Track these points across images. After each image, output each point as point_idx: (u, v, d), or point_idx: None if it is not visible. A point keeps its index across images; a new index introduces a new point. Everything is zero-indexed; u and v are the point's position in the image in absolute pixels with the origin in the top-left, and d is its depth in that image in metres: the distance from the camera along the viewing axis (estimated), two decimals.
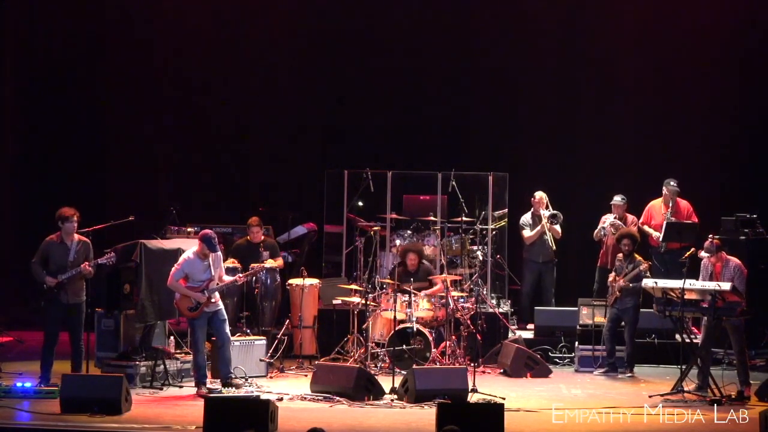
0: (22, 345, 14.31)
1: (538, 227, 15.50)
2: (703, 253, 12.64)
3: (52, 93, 17.83)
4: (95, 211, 15.75)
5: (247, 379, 12.90)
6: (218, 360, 12.49)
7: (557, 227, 15.53)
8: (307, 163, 17.68)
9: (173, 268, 12.40)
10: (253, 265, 13.75)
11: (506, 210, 16.03)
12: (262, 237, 14.67)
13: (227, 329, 12.53)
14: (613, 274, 14.08)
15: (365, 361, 13.39)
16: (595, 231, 15.38)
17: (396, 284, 13.91)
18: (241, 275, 13.03)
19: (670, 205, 15.16)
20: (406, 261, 14.33)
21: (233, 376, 12.48)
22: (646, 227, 15.29)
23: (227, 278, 12.74)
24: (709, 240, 12.60)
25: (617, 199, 15.36)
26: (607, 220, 15.27)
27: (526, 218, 15.64)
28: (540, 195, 15.60)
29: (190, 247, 12.68)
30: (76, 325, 12.19)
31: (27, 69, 17.94)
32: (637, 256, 13.95)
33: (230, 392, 12.21)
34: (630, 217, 15.35)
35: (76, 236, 12.21)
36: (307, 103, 17.98)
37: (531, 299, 15.73)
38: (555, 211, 15.54)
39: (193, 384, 12.56)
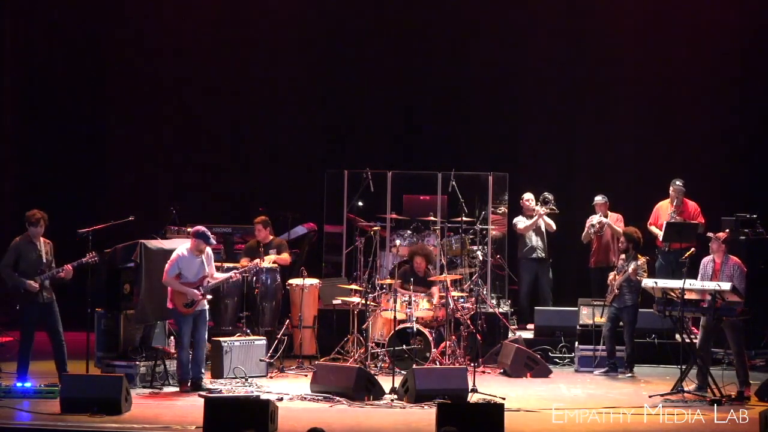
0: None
1: (534, 218, 15.50)
2: (710, 234, 12.70)
3: (53, 93, 17.84)
4: (95, 211, 15.80)
5: (246, 379, 12.93)
6: (191, 360, 12.48)
7: (551, 222, 15.52)
8: (307, 163, 17.69)
9: (167, 265, 12.41)
10: (254, 261, 13.80)
11: (506, 204, 16.06)
12: (270, 237, 14.70)
13: (206, 331, 12.58)
14: (613, 272, 14.08)
15: (365, 361, 13.39)
16: (583, 233, 15.42)
17: (397, 283, 13.95)
18: (236, 272, 13.02)
19: (675, 204, 15.18)
20: (413, 263, 14.33)
21: (204, 378, 12.52)
22: (653, 228, 15.31)
23: (219, 275, 12.78)
24: (726, 234, 12.68)
25: (598, 198, 15.42)
26: (594, 219, 15.32)
27: (519, 218, 15.68)
28: (528, 196, 15.64)
29: None
30: (55, 322, 12.22)
31: (27, 68, 17.95)
32: (639, 256, 13.95)
33: (225, 393, 12.27)
34: (615, 215, 15.37)
35: (42, 238, 12.27)
36: (307, 103, 17.99)
37: (529, 299, 15.75)
38: (543, 194, 15.53)
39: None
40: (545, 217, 15.54)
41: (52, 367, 12.41)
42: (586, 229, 15.40)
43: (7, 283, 12.17)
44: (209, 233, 12.52)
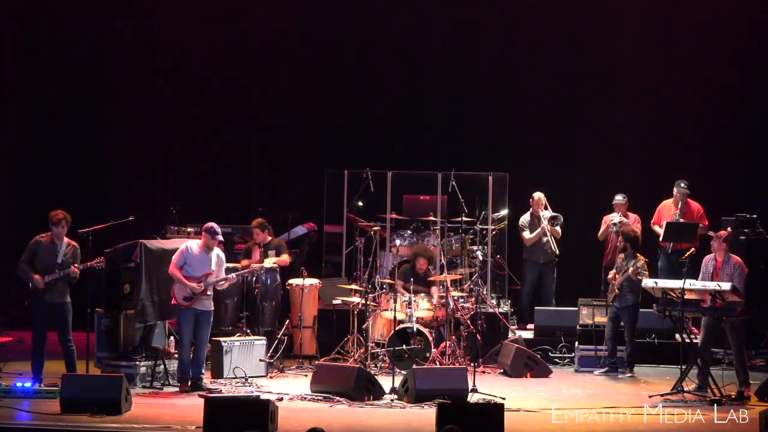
0: (22, 345, 14.31)
1: (539, 229, 15.49)
2: (711, 233, 12.67)
3: (53, 93, 17.83)
4: (95, 211, 15.79)
5: (246, 379, 12.93)
6: (192, 360, 12.49)
7: (557, 228, 15.53)
8: (307, 163, 17.67)
9: (175, 255, 12.48)
10: (251, 264, 13.80)
11: (506, 212, 16.02)
12: (269, 238, 14.70)
13: (208, 332, 12.57)
14: (613, 271, 14.08)
15: (365, 361, 13.39)
16: (600, 231, 15.39)
17: (399, 282, 13.97)
18: (233, 275, 13.01)
19: (680, 206, 15.17)
20: (415, 263, 14.33)
21: (204, 378, 12.53)
22: (656, 227, 15.31)
23: (220, 279, 12.77)
24: (727, 232, 12.66)
25: (619, 198, 15.37)
26: (615, 218, 15.25)
27: (525, 219, 15.64)
28: (538, 195, 15.59)
29: None
30: (63, 324, 12.16)
31: (27, 68, 17.93)
32: (639, 255, 13.94)
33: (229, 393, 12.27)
34: (633, 216, 15.35)
35: (66, 239, 12.23)
36: (307, 102, 17.97)
37: (531, 299, 15.74)
38: (555, 213, 15.53)
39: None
40: (549, 226, 15.48)
41: (54, 367, 12.37)
42: (603, 227, 15.33)
43: (21, 278, 12.18)
44: (216, 228, 12.56)
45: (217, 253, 12.63)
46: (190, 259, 12.46)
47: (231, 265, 14.04)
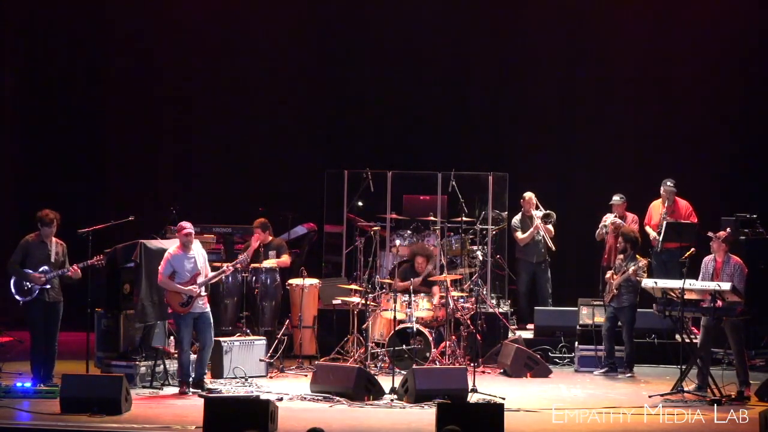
0: (22, 345, 14.31)
1: (532, 228, 15.49)
2: (710, 233, 12.69)
3: (53, 93, 17.84)
4: (95, 211, 15.79)
5: (246, 379, 12.93)
6: (196, 360, 12.48)
7: (550, 226, 15.53)
8: (307, 163, 17.68)
9: (160, 266, 12.42)
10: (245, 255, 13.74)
11: (506, 213, 16.02)
12: (270, 238, 14.69)
13: (211, 333, 12.52)
14: (611, 272, 14.08)
15: (365, 361, 13.39)
16: (597, 231, 15.40)
17: (397, 280, 13.96)
18: (228, 265, 12.89)
19: (667, 204, 15.18)
20: (414, 263, 14.34)
21: (205, 378, 12.52)
22: (647, 227, 15.31)
23: (212, 274, 12.71)
24: (726, 233, 12.66)
25: (616, 198, 15.36)
26: (608, 219, 15.27)
27: (517, 219, 15.65)
28: (529, 195, 15.61)
29: None
30: (55, 324, 12.20)
31: (27, 69, 17.95)
32: (638, 256, 13.94)
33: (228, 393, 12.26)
34: (630, 216, 15.34)
35: (54, 239, 12.24)
36: (307, 103, 17.99)
37: (528, 299, 15.75)
38: (548, 211, 15.53)
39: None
40: (543, 224, 15.48)
41: (57, 368, 12.37)
42: (599, 227, 15.33)
43: (11, 279, 12.17)
44: (184, 223, 12.48)
45: (197, 248, 12.59)
46: (176, 264, 12.38)
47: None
